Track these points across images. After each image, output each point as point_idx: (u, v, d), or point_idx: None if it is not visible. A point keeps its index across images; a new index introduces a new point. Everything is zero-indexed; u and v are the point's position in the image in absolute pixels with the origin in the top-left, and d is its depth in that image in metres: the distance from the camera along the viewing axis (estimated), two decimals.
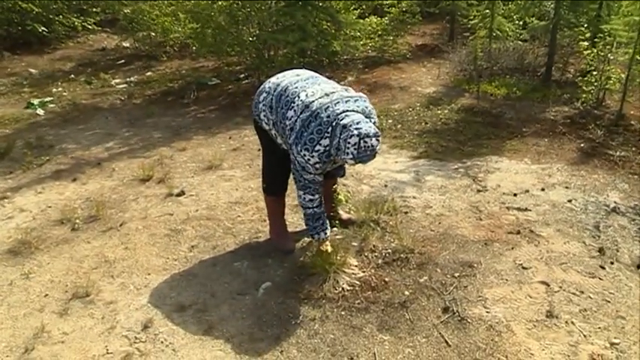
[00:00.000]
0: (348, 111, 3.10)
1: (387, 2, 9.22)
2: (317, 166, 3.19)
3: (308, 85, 3.31)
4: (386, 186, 4.65)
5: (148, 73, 9.00)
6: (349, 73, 8.06)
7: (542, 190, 4.53)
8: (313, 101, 3.17)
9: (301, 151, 3.15)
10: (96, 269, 3.65)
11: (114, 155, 5.66)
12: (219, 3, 7.64)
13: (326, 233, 3.50)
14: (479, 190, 4.54)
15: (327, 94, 3.22)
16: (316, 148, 3.11)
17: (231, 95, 7.63)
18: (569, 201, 4.33)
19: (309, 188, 3.32)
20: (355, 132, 2.95)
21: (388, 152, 5.40)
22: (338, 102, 3.15)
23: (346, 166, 3.94)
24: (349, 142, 2.96)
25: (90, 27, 10.96)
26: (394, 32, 8.87)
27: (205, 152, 5.58)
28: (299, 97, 3.22)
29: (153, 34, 10.03)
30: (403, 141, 5.66)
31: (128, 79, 8.62)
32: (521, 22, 8.25)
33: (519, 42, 8.22)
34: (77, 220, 4.23)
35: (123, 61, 9.86)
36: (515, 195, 4.44)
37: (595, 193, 4.46)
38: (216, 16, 7.59)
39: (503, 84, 7.23)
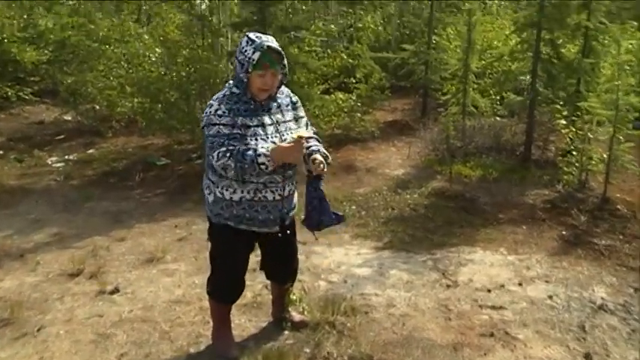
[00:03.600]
0: None
1: (357, 76, 9.52)
2: (219, 112, 3.29)
3: None
4: (346, 282, 4.64)
5: (90, 151, 8.99)
6: None
7: (520, 284, 4.56)
8: None
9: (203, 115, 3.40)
10: None
11: (40, 245, 5.55)
12: (170, 76, 7.79)
13: (265, 149, 3.21)
14: (449, 286, 4.55)
15: None
16: (213, 98, 3.40)
17: (181, 177, 7.63)
18: (550, 297, 4.36)
19: (213, 144, 3.25)
20: (244, 37, 3.35)
21: (350, 243, 5.43)
22: None
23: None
24: (242, 46, 3.31)
25: (26, 97, 10.93)
26: (362, 108, 9.08)
27: (147, 242, 5.52)
28: None
29: (97, 107, 10.08)
30: (367, 230, 5.71)
31: (67, 157, 8.58)
32: (498, 97, 8.54)
33: (496, 118, 8.44)
34: None
35: (62, 136, 9.82)
36: (489, 291, 4.46)
37: (579, 288, 4.50)
38: (166, 91, 7.71)
39: (478, 164, 7.40)
